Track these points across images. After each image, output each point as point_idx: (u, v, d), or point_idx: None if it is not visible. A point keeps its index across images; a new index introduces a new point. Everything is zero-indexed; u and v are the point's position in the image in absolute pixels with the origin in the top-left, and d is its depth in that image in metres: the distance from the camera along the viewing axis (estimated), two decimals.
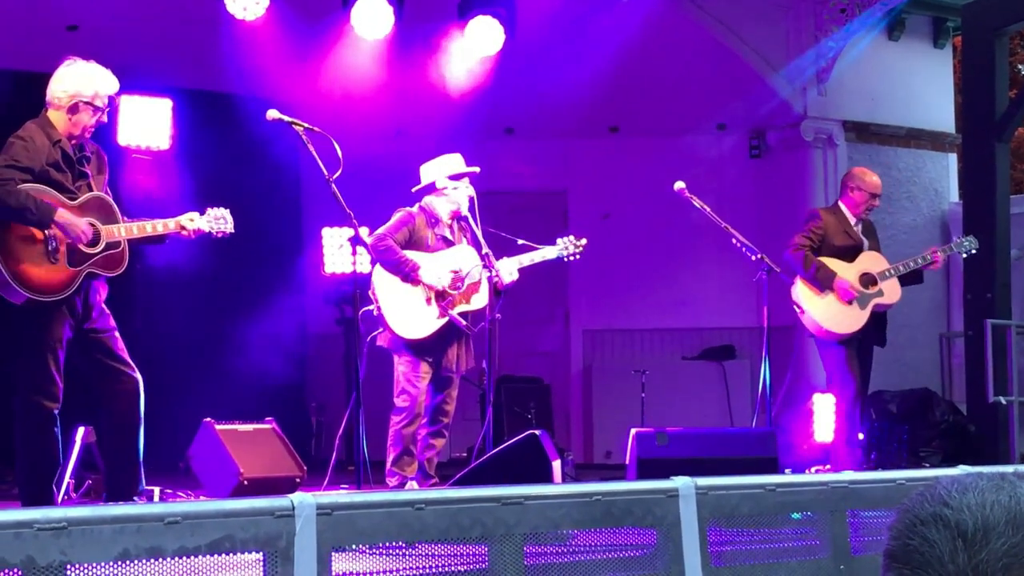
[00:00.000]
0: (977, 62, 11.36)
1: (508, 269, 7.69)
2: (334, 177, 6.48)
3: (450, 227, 7.90)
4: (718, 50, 12.02)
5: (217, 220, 6.61)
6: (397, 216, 7.82)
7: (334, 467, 8.04)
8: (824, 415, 10.82)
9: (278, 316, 10.89)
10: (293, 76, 9.91)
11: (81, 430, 7.37)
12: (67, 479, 7.42)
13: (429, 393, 7.82)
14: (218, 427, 7.89)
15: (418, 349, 7.67)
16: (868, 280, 8.62)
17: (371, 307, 7.76)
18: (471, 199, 7.78)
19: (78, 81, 6.20)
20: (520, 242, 7.80)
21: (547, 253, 7.93)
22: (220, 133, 10.10)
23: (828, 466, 9.94)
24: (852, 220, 8.82)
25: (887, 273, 8.65)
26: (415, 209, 7.83)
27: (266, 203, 10.35)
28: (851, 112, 12.76)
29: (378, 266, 7.67)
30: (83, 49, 9.87)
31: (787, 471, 8.16)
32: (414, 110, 10.73)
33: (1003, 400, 10.52)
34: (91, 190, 6.21)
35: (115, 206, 6.31)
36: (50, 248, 5.93)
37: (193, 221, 6.51)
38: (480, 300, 7.76)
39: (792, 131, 12.57)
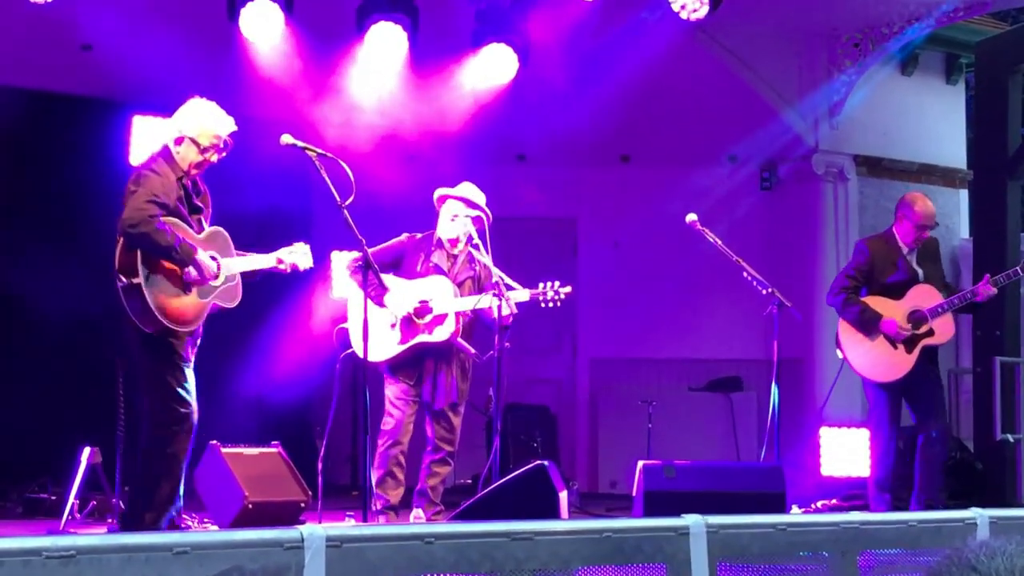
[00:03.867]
0: (990, 99, 11.36)
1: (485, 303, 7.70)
2: (346, 203, 6.46)
3: (453, 258, 7.87)
4: (731, 82, 12.04)
5: (301, 256, 6.88)
6: (394, 240, 7.90)
7: (339, 491, 8.03)
8: (836, 449, 10.80)
9: (286, 339, 10.87)
10: (306, 100, 9.92)
11: (87, 450, 7.36)
12: (71, 499, 7.41)
13: (428, 420, 7.81)
14: (224, 450, 7.89)
15: (394, 371, 7.74)
16: (919, 318, 8.15)
17: (346, 325, 7.76)
18: (479, 229, 7.78)
19: (218, 122, 6.44)
20: (506, 281, 7.73)
21: (520, 296, 7.74)
22: (232, 155, 10.10)
23: (833, 500, 9.91)
24: (904, 249, 8.29)
25: (939, 310, 8.14)
26: (420, 235, 7.88)
27: (277, 226, 10.34)
28: (863, 146, 12.77)
29: (353, 284, 7.68)
30: (97, 69, 9.95)
31: (793, 507, 8.12)
32: (427, 136, 10.74)
33: (1011, 438, 10.47)
34: (204, 223, 6.45)
35: (230, 240, 6.53)
36: (185, 281, 6.17)
37: (290, 255, 6.79)
38: (442, 333, 7.73)
39: (803, 164, 12.58)
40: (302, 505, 7.93)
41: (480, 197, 7.91)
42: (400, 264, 7.87)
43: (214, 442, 7.91)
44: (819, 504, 9.80)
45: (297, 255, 6.82)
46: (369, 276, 7.38)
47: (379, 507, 7.63)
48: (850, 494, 10.10)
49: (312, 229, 11.44)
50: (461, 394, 7.89)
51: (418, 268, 7.80)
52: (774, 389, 8.08)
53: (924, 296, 8.20)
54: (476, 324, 7.91)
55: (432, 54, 10.21)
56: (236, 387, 10.41)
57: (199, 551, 3.19)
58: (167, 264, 6.11)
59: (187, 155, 6.32)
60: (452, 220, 7.85)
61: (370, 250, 7.69)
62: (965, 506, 5.83)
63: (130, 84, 9.86)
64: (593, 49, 10.95)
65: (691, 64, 11.68)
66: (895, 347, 8.09)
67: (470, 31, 10.19)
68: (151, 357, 6.24)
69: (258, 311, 10.48)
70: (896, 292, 8.22)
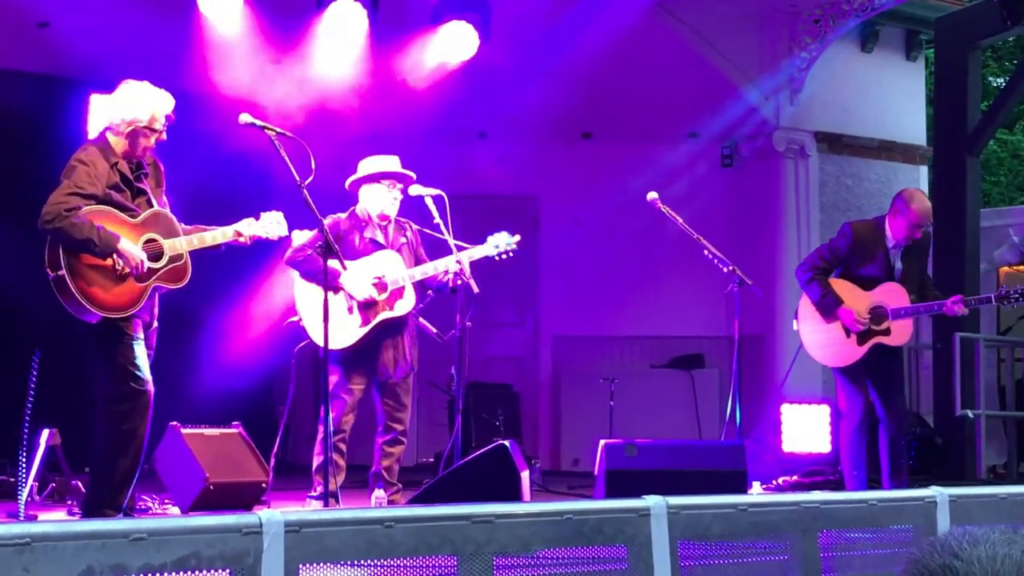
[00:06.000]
0: (949, 76, 11.40)
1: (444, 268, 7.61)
2: (306, 183, 6.40)
3: (383, 229, 7.75)
4: (692, 59, 12.03)
5: (272, 224, 6.68)
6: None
7: (301, 472, 7.96)
8: (797, 425, 10.84)
9: (246, 319, 10.81)
10: (265, 77, 9.84)
11: (46, 432, 7.29)
12: (31, 481, 7.35)
13: (377, 400, 7.68)
14: (184, 431, 7.83)
15: (347, 359, 7.51)
16: (879, 314, 7.92)
17: (296, 318, 7.63)
18: (440, 199, 7.67)
19: (135, 108, 6.22)
20: (453, 242, 7.64)
21: (475, 253, 7.66)
22: (190, 133, 9.99)
23: (795, 477, 9.95)
24: (891, 243, 8.03)
25: (902, 312, 7.90)
26: (344, 215, 7.70)
27: (236, 206, 10.24)
28: (823, 123, 12.79)
29: (298, 276, 7.57)
30: (54, 46, 9.85)
31: (755, 483, 8.13)
32: (387, 113, 10.67)
33: (970, 413, 10.56)
34: (151, 205, 6.26)
35: (175, 219, 6.36)
36: (117, 268, 6.01)
37: (250, 226, 6.59)
38: (404, 307, 7.59)
39: (764, 141, 12.60)
40: (263, 485, 7.89)
41: (389, 166, 7.85)
42: (337, 244, 7.68)
43: (174, 423, 7.85)
44: (780, 481, 9.84)
45: (269, 225, 6.65)
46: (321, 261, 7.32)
47: (318, 492, 7.50)
48: (811, 470, 10.15)
49: (271, 209, 11.37)
50: (414, 363, 7.80)
51: (357, 246, 7.66)
52: (734, 368, 8.09)
53: (892, 295, 7.96)
54: (420, 289, 7.75)
55: (392, 31, 10.15)
56: (197, 368, 10.34)
57: (156, 537, 3.16)
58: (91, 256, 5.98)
59: (115, 142, 6.17)
60: (395, 200, 7.74)
61: (307, 238, 7.59)
62: (926, 482, 5.87)
63: (87, 62, 9.76)
64: (554, 26, 10.92)
65: (652, 41, 11.66)
66: (847, 335, 8.00)
67: (430, 8, 10.14)
68: (98, 339, 6.09)
69: (220, 292, 10.45)
70: (867, 283, 8.01)
